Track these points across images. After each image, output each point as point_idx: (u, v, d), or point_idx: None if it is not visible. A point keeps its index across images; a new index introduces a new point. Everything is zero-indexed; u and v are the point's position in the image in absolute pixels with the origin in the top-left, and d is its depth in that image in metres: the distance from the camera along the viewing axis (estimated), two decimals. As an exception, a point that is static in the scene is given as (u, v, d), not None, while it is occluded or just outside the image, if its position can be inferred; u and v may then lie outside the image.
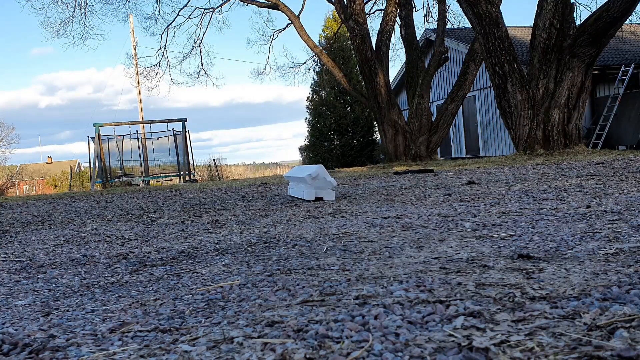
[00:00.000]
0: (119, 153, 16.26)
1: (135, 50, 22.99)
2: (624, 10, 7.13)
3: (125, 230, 2.64)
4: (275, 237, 2.00)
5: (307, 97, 24.51)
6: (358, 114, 22.75)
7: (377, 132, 18.97)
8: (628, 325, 0.82)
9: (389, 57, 12.37)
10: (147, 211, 3.63)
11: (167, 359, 0.84)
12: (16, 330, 1.05)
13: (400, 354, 0.78)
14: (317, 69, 22.71)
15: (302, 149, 25.06)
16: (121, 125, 15.76)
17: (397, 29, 13.23)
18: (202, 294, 1.24)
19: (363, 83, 13.66)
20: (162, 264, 1.68)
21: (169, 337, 0.95)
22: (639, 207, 2.03)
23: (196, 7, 17.45)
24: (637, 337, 0.77)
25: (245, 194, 4.67)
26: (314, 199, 3.33)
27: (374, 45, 11.99)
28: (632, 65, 15.25)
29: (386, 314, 0.96)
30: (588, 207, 2.15)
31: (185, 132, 15.85)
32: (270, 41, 18.05)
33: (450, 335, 0.84)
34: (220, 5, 14.85)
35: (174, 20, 14.80)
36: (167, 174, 16.27)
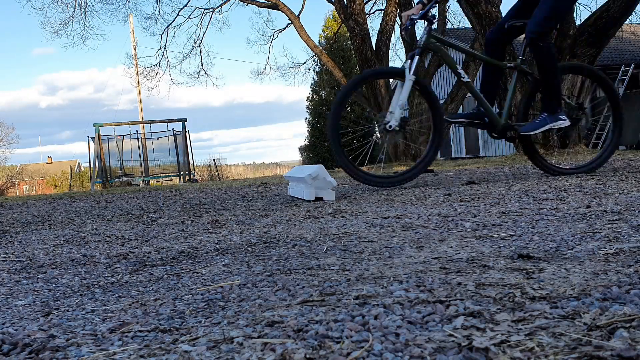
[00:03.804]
0: (119, 153, 16.26)
1: (135, 50, 22.98)
2: (623, 10, 7.14)
3: (125, 230, 2.64)
4: (275, 237, 2.00)
5: (307, 97, 24.51)
6: (358, 114, 22.76)
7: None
8: (628, 325, 0.82)
9: (389, 57, 12.38)
10: (147, 211, 3.63)
11: (167, 359, 0.84)
12: (16, 330, 1.05)
13: (400, 354, 0.78)
14: (317, 69, 22.72)
15: (302, 149, 25.06)
16: (121, 125, 15.76)
17: (397, 29, 13.23)
18: (202, 294, 1.24)
19: (363, 83, 13.66)
20: (162, 264, 1.68)
21: (169, 337, 0.95)
22: (639, 207, 2.03)
23: (196, 7, 17.50)
24: (637, 337, 0.77)
25: (245, 194, 4.68)
26: (313, 199, 3.33)
27: (374, 45, 11.98)
28: (632, 65, 15.22)
29: (386, 314, 0.96)
30: (588, 207, 2.15)
31: (185, 132, 15.84)
32: (270, 41, 18.05)
33: (450, 335, 0.84)
34: (220, 5, 14.88)
35: (174, 20, 14.84)
36: (167, 174, 16.26)
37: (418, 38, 3.80)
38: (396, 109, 3.57)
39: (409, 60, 3.63)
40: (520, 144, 4.05)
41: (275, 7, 14.24)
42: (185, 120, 15.49)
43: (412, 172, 3.80)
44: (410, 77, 3.57)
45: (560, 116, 3.70)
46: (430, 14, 3.71)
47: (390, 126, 3.55)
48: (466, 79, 3.82)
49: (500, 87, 4.04)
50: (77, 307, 1.22)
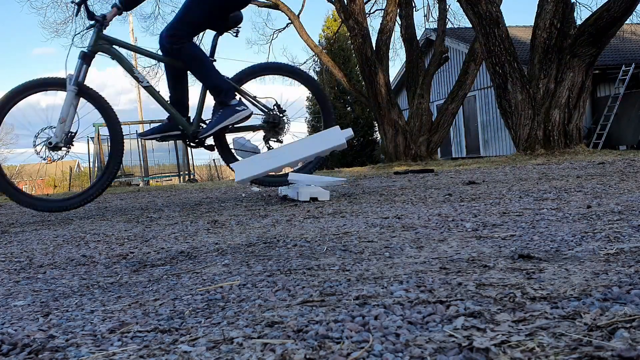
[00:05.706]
0: (118, 153, 16.18)
1: (135, 50, 22.91)
2: (624, 10, 7.13)
3: (125, 230, 2.64)
4: (275, 237, 2.00)
5: (307, 97, 24.46)
6: (358, 114, 22.77)
7: (377, 132, 18.97)
8: (629, 325, 0.82)
9: (389, 57, 12.38)
10: (147, 211, 3.63)
11: (167, 359, 0.83)
12: (15, 330, 1.05)
13: (400, 354, 0.78)
14: (317, 69, 22.70)
15: (302, 149, 25.01)
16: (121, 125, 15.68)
17: (397, 28, 13.23)
18: (201, 294, 1.24)
19: (363, 83, 13.65)
20: (162, 264, 1.68)
21: (168, 337, 0.95)
22: (639, 207, 2.02)
23: (196, 7, 17.47)
24: (637, 337, 0.76)
25: (245, 194, 4.67)
26: (308, 199, 3.31)
27: (374, 45, 11.98)
28: (633, 65, 15.22)
29: (386, 314, 0.96)
30: (589, 207, 2.15)
31: (186, 132, 15.80)
32: (270, 41, 18.01)
33: (451, 335, 0.84)
34: (220, 5, 14.84)
35: (174, 20, 14.79)
36: (167, 174, 16.25)
37: (92, 42, 3.40)
38: (57, 124, 3.31)
39: (74, 70, 3.35)
40: (220, 154, 3.69)
41: (275, 6, 14.23)
42: (185, 120, 15.49)
43: (84, 196, 3.50)
44: (71, 88, 3.30)
45: (238, 107, 3.41)
46: (100, 14, 3.39)
47: (51, 142, 3.32)
48: (145, 83, 3.50)
49: (187, 90, 3.59)
50: (77, 308, 1.22)
